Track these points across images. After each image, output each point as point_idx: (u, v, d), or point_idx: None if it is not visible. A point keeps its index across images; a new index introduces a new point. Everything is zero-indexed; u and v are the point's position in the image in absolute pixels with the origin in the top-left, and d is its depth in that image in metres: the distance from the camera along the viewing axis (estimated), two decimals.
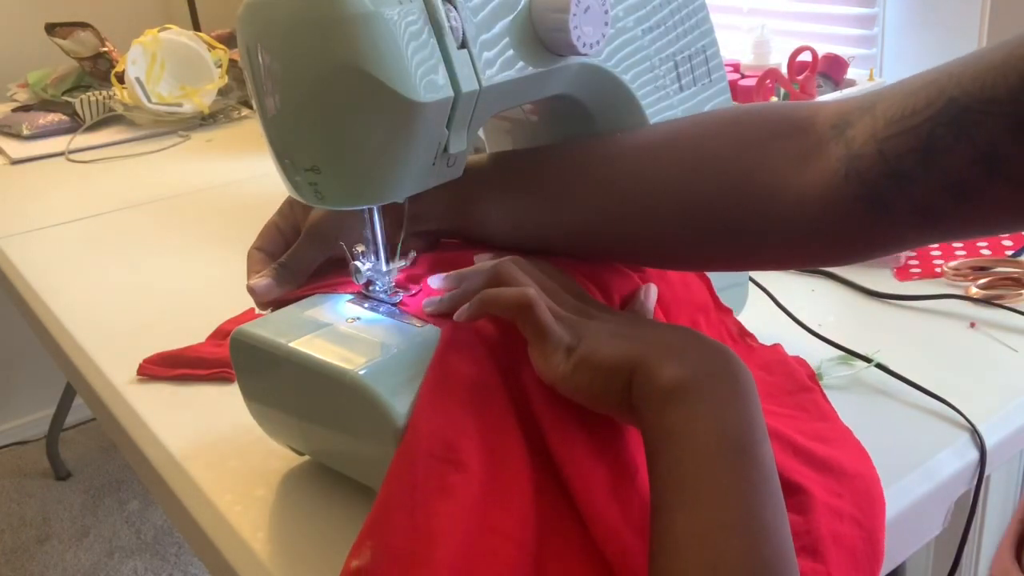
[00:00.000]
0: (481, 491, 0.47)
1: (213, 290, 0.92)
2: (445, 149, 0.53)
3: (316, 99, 0.49)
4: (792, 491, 0.52)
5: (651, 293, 0.58)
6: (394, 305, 0.57)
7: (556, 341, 0.49)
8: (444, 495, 0.46)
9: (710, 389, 0.45)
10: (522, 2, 0.54)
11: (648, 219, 0.55)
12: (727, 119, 0.56)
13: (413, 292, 0.58)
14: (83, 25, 1.71)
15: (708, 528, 0.41)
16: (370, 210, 0.57)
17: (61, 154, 1.48)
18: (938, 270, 0.84)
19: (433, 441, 0.48)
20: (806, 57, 1.04)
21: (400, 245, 0.58)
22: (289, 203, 0.63)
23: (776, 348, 0.67)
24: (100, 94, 1.61)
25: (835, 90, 1.07)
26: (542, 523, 0.48)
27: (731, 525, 0.41)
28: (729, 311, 0.67)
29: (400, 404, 0.49)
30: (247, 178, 1.29)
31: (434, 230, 0.62)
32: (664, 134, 0.57)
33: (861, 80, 1.09)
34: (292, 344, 0.53)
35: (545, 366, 0.49)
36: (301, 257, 0.60)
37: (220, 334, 0.79)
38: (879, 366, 0.68)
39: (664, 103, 0.65)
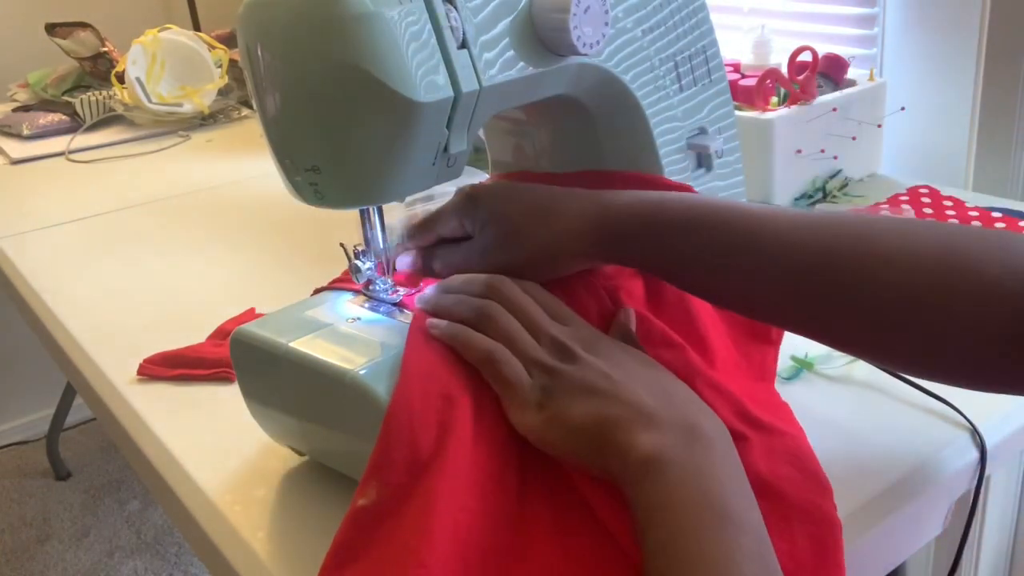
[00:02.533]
0: (473, 426, 0.48)
1: (213, 290, 0.92)
2: (445, 149, 0.53)
3: (316, 99, 0.49)
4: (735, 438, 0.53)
5: (630, 317, 0.57)
6: (394, 305, 0.57)
7: (525, 396, 0.49)
8: (441, 429, 0.47)
9: (685, 454, 0.44)
10: (522, 2, 0.55)
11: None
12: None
13: (413, 292, 0.58)
14: (83, 25, 1.71)
15: None
16: (370, 210, 0.57)
17: (61, 154, 1.48)
18: None
19: (430, 381, 0.49)
20: (806, 57, 1.03)
21: None
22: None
23: None
24: (100, 94, 1.61)
25: (835, 90, 1.07)
26: (523, 462, 0.50)
27: None
28: None
29: None
30: (247, 178, 1.29)
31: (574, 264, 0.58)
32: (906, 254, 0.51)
33: (861, 80, 1.09)
34: (292, 344, 0.53)
35: (518, 419, 0.49)
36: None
37: (220, 334, 0.79)
38: None
39: (664, 103, 0.65)
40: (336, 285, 0.61)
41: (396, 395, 0.48)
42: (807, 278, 0.51)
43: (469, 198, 0.59)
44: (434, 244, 0.60)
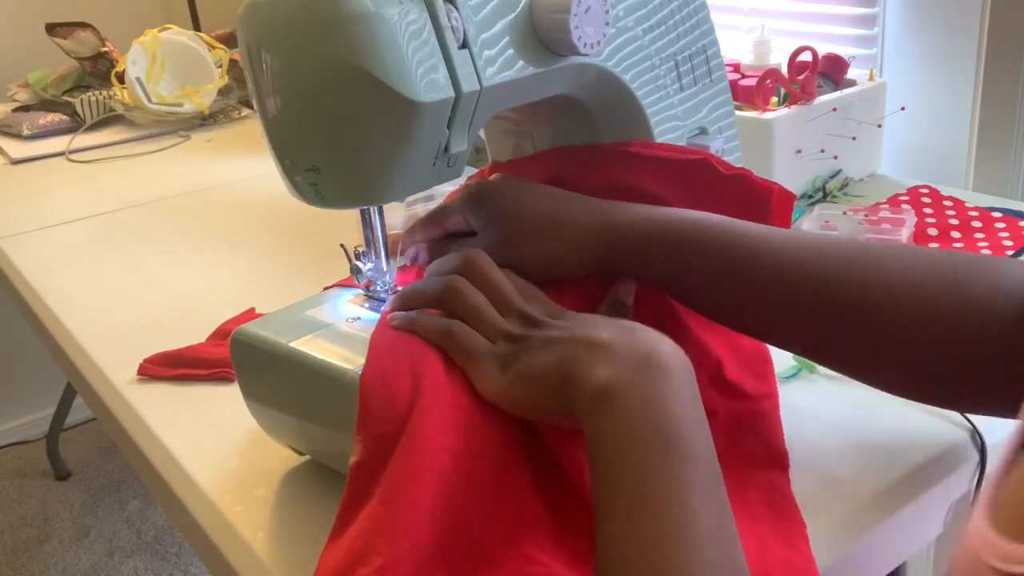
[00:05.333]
0: (447, 375, 0.49)
1: (213, 290, 0.92)
2: (446, 149, 0.53)
3: (317, 99, 0.49)
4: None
5: (629, 291, 0.57)
6: None
7: (488, 362, 0.49)
8: (415, 378, 0.48)
9: (637, 384, 0.44)
10: (523, 2, 0.55)
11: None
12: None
13: None
14: (83, 25, 1.71)
15: (646, 537, 0.40)
16: (370, 210, 0.57)
17: (61, 154, 1.48)
18: None
19: (398, 344, 0.50)
20: (806, 57, 1.03)
21: None
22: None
23: None
24: (100, 94, 1.61)
25: (835, 90, 1.07)
26: (499, 417, 0.50)
27: (669, 532, 0.40)
28: None
29: None
30: (247, 178, 1.29)
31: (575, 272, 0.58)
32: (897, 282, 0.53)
33: (861, 80, 1.08)
34: (292, 344, 0.53)
35: (483, 386, 0.50)
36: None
37: (220, 334, 0.79)
38: None
39: (664, 103, 0.65)
40: (345, 283, 0.62)
41: (367, 362, 0.49)
42: (805, 299, 0.53)
43: (473, 195, 0.59)
44: (440, 238, 0.60)
